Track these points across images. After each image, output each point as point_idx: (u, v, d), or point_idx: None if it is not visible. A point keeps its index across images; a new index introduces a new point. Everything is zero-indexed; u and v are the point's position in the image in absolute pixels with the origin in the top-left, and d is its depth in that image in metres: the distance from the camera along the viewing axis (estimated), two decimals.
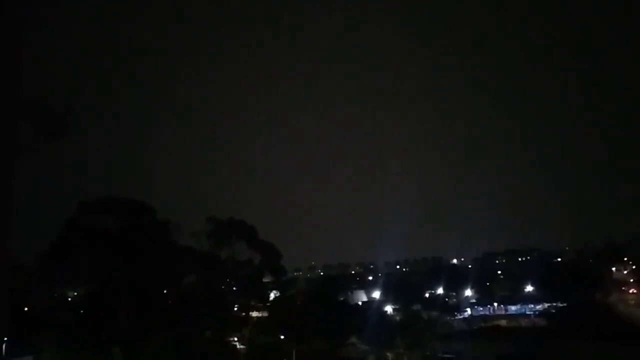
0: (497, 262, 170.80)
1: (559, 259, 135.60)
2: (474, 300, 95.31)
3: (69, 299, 37.38)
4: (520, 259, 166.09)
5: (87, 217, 33.63)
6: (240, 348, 44.51)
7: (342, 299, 74.57)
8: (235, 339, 45.68)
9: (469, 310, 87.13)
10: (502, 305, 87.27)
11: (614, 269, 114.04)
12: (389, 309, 73.24)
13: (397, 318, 63.21)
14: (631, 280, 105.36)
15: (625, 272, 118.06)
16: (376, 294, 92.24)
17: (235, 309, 46.91)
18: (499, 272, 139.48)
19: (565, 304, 61.92)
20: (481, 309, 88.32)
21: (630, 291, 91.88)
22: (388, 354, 48.64)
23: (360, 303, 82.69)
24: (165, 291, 36.49)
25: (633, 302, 78.35)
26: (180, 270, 37.05)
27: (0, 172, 1.29)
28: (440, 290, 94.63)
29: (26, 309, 33.58)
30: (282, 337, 49.05)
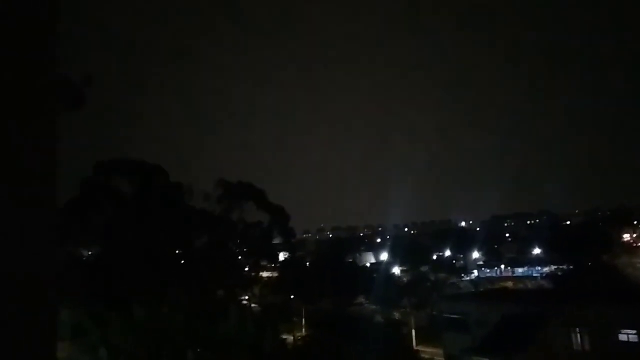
0: (505, 225, 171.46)
1: (568, 222, 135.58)
2: (481, 263, 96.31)
3: (84, 258, 38.17)
4: (529, 222, 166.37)
5: (102, 177, 34.07)
6: (250, 306, 45.58)
7: (350, 260, 75.58)
8: (247, 297, 46.72)
9: (476, 272, 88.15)
10: (509, 268, 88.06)
11: (623, 233, 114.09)
12: (396, 270, 74.18)
13: (405, 279, 64.10)
14: None
15: (634, 235, 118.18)
16: (384, 256, 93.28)
17: (246, 269, 47.81)
18: (507, 235, 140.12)
19: (572, 267, 62.23)
20: (488, 271, 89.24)
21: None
22: (395, 314, 49.55)
23: (368, 265, 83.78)
24: (177, 252, 37.15)
25: None
26: (193, 232, 37.63)
27: (44, 142, 1.38)
28: (448, 253, 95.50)
29: None
30: (292, 296, 50.08)
